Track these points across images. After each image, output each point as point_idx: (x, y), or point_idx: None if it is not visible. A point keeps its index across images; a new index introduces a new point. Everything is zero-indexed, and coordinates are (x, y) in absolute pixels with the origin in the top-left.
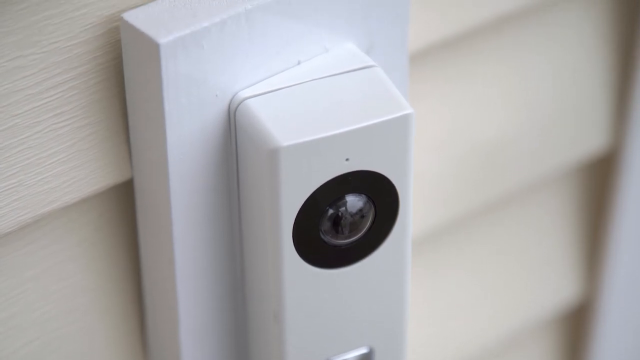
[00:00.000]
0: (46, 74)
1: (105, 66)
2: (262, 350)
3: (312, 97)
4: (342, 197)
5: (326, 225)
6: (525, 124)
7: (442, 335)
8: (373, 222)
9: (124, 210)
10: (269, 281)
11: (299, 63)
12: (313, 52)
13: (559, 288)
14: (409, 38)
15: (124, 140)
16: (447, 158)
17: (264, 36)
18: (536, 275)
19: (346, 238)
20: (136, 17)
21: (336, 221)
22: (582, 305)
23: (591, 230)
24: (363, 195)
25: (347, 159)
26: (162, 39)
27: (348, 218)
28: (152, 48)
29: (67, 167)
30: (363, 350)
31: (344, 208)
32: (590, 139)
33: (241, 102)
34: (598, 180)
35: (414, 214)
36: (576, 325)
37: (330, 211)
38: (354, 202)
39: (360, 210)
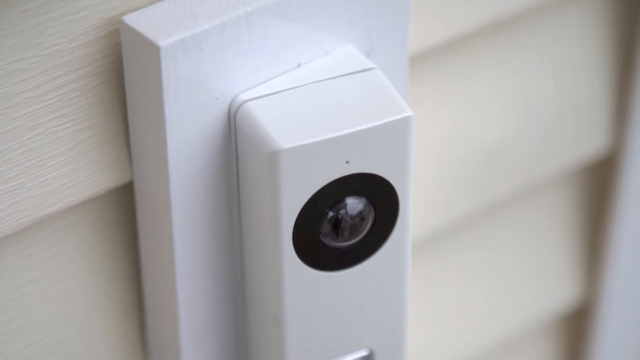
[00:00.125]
0: (47, 77)
1: (106, 69)
2: (262, 353)
3: (312, 99)
4: (342, 200)
5: (326, 227)
6: (526, 126)
7: (442, 338)
8: (373, 225)
9: (124, 212)
10: (269, 283)
11: (299, 66)
12: (313, 54)
13: (559, 290)
14: (409, 40)
15: (124, 142)
16: (447, 160)
17: (264, 39)
18: (536, 277)
19: (346, 240)
20: (136, 20)
21: (336, 224)
22: (582, 307)
23: (591, 232)
24: (363, 197)
25: (347, 162)
26: (163, 42)
27: (348, 221)
28: (152, 51)
29: (68, 169)
30: (363, 353)
31: (344, 210)
32: (590, 142)
33: (241, 104)
34: (598, 182)
35: (414, 216)
36: (576, 328)
37: (330, 214)
38: (354, 204)
39: (360, 212)
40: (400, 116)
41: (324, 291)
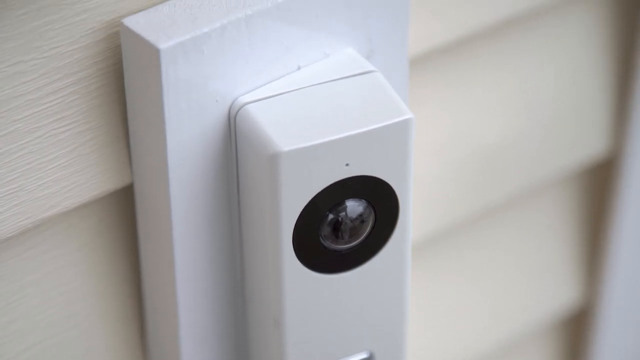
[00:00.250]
0: (47, 79)
1: (106, 71)
2: (262, 355)
3: (312, 102)
4: (342, 202)
5: (326, 230)
6: (526, 127)
7: (443, 340)
8: (373, 227)
9: (124, 215)
10: (269, 286)
11: (299, 68)
12: (313, 57)
13: (559, 292)
14: (409, 43)
15: (124, 145)
16: (448, 162)
17: (264, 41)
18: (536, 279)
19: (346, 243)
20: (136, 23)
21: (336, 226)
22: (582, 309)
23: (591, 234)
24: (363, 200)
25: (347, 164)
26: (162, 45)
27: (348, 223)
28: (152, 53)
29: (68, 172)
30: (363, 355)
31: (344, 213)
32: (590, 144)
33: (241, 107)
34: (598, 183)
35: (414, 218)
36: (576, 330)
37: (330, 216)
38: (354, 207)
39: (360, 215)
40: (400, 119)
41: (324, 294)
